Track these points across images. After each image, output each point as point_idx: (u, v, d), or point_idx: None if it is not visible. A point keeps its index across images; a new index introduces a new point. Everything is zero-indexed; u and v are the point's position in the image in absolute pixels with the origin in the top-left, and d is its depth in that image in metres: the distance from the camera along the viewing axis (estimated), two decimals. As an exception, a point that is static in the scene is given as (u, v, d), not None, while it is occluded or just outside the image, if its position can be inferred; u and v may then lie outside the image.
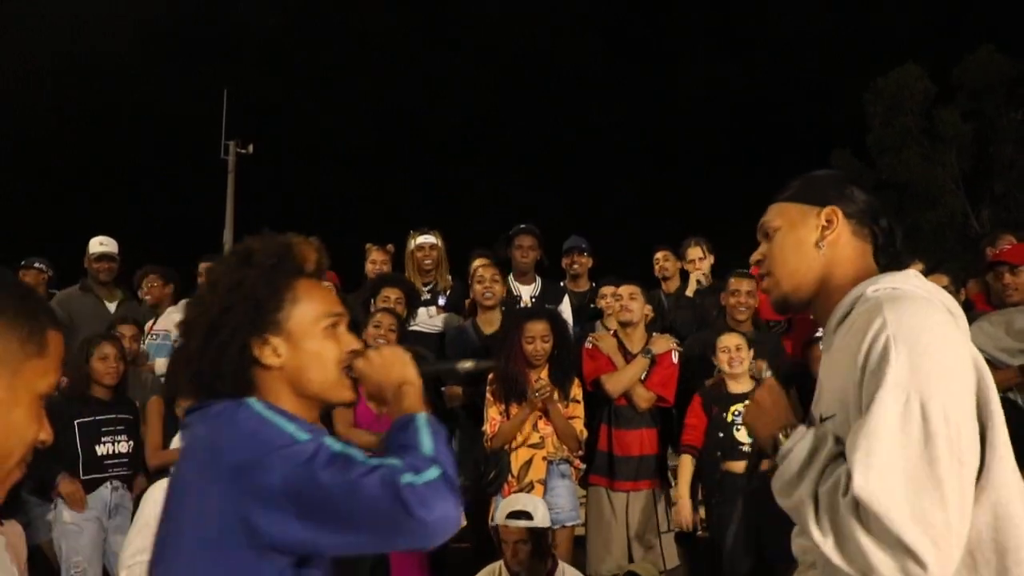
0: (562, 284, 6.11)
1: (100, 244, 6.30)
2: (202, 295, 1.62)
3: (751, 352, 4.73)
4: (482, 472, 4.54)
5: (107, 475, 4.70)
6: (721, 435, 4.65)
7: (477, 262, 6.35)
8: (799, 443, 1.56)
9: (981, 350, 4.55)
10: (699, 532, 4.71)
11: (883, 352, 1.46)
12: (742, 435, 4.61)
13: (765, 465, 1.75)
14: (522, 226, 6.04)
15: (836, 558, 1.42)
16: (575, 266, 6.20)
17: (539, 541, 3.83)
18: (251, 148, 22.38)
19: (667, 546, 4.84)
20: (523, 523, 3.83)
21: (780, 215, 1.76)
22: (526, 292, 5.80)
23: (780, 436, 1.63)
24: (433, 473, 1.41)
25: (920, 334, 1.47)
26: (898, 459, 1.39)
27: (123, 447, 4.79)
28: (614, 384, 4.86)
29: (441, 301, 5.75)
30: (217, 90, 22.00)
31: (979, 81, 24.00)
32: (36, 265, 6.47)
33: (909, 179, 24.03)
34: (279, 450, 1.41)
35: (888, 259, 1.74)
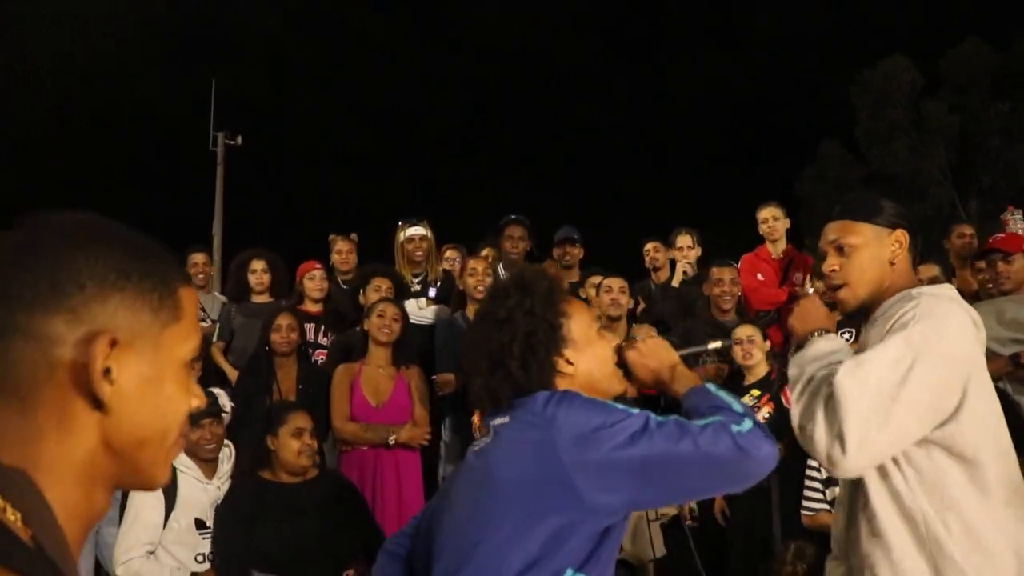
0: (553, 275, 6.09)
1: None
2: (492, 331, 1.86)
3: (766, 343, 4.76)
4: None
5: None
6: None
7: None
8: (827, 340, 1.95)
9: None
10: (688, 522, 4.73)
11: (906, 321, 1.86)
12: None
13: None
14: (512, 217, 6.02)
15: (795, 420, 1.85)
16: (567, 257, 6.18)
17: None
18: (240, 140, 22.27)
19: (655, 535, 4.85)
20: None
21: (855, 233, 2.08)
22: (516, 283, 5.79)
23: (815, 335, 1.99)
24: (750, 423, 1.69)
25: (940, 320, 1.85)
26: (876, 380, 1.76)
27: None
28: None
29: (431, 292, 5.74)
30: (206, 83, 21.93)
31: (965, 73, 24.09)
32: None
33: (897, 171, 24.12)
34: (613, 425, 1.66)
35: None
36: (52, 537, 0.81)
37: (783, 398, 4.71)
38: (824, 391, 1.79)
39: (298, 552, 3.69)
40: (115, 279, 0.88)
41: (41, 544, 0.78)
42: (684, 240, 6.34)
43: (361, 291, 5.43)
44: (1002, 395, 4.03)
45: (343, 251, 6.26)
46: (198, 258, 6.48)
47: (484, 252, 6.15)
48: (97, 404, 0.86)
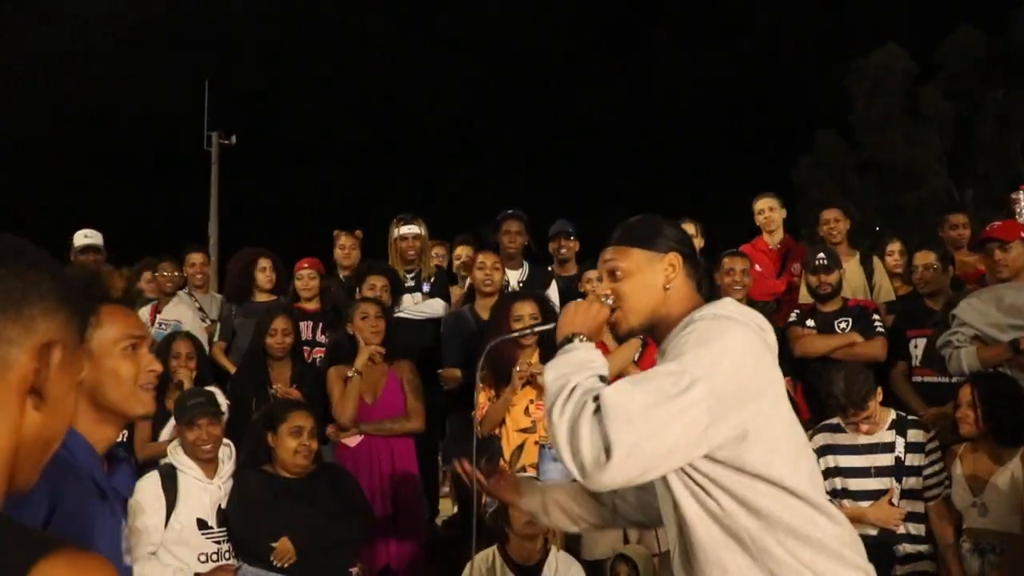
0: (550, 269, 6.10)
1: (85, 236, 6.24)
2: None
3: None
4: (474, 458, 4.54)
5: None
6: None
7: (461, 249, 6.35)
8: (586, 349, 1.93)
9: (971, 326, 4.56)
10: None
11: (683, 347, 1.85)
12: None
13: None
14: (509, 211, 6.01)
15: (560, 428, 1.74)
16: (562, 250, 6.18)
17: None
18: (234, 140, 22.29)
19: (661, 529, 4.84)
20: None
21: (626, 258, 2.07)
22: (514, 277, 5.78)
23: (577, 339, 1.97)
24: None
25: (715, 342, 1.83)
26: (648, 394, 1.71)
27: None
28: (608, 367, 4.86)
29: (426, 288, 5.75)
30: (200, 82, 21.91)
31: (959, 60, 24.09)
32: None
33: (893, 159, 24.14)
34: None
35: (708, 289, 2.15)
36: None
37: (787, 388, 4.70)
38: (592, 403, 1.72)
39: (302, 541, 3.76)
40: (63, 296, 1.02)
41: None
42: (688, 229, 6.28)
43: (357, 289, 5.43)
44: (1005, 381, 4.04)
45: (346, 246, 6.26)
46: (196, 258, 6.45)
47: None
48: (36, 405, 0.98)
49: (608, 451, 1.67)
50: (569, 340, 1.97)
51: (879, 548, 3.98)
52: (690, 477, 1.88)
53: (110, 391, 1.78)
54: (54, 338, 0.99)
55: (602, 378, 1.85)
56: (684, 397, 1.72)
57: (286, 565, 3.72)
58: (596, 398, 1.74)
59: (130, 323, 1.83)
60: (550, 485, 2.49)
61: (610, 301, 2.07)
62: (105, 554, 1.07)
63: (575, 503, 2.35)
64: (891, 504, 3.98)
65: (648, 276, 2.06)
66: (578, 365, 1.87)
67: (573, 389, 1.79)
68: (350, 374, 4.70)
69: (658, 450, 1.70)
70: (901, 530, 3.99)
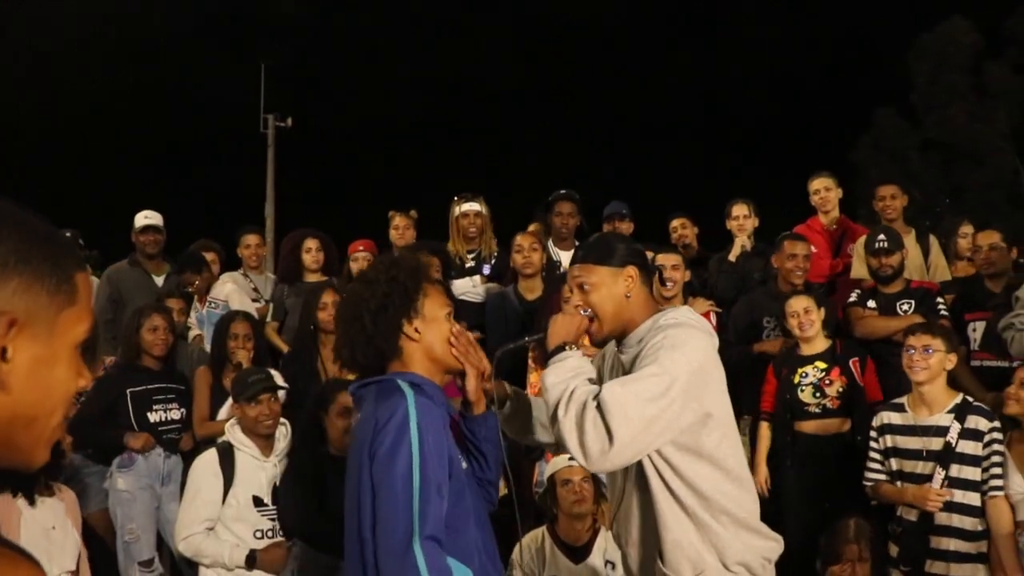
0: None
1: (145, 218, 6.40)
2: (360, 289, 2.25)
3: (821, 312, 4.70)
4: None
5: (162, 440, 4.77)
6: (788, 396, 4.67)
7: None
8: (577, 358, 2.29)
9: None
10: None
11: (659, 349, 2.23)
12: (807, 395, 4.66)
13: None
14: (562, 192, 6.00)
15: (567, 423, 2.13)
16: (616, 232, 6.15)
17: (597, 486, 3.84)
18: (290, 122, 22.54)
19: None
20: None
21: (593, 274, 2.44)
22: (566, 258, 5.77)
23: (568, 347, 2.33)
24: None
25: (684, 346, 2.23)
26: (636, 398, 2.12)
27: (175, 414, 4.87)
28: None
29: (486, 269, 5.75)
30: (256, 66, 22.16)
31: (1030, 33, 23.26)
32: (68, 236, 6.57)
33: (956, 138, 23.47)
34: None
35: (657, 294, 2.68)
36: None
37: (853, 369, 4.65)
38: (592, 402, 2.12)
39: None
40: (15, 263, 0.91)
41: None
42: (740, 210, 6.18)
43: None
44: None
45: (400, 227, 6.26)
46: (251, 239, 6.57)
47: (531, 228, 6.14)
48: None
49: (611, 442, 2.08)
50: (561, 349, 2.32)
51: (915, 535, 3.91)
52: (652, 459, 2.29)
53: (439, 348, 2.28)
54: (2, 309, 0.90)
55: (591, 380, 2.25)
56: (667, 395, 2.14)
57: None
58: (595, 398, 2.12)
59: (444, 295, 2.32)
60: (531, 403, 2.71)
61: (588, 312, 2.42)
62: None
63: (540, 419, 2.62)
64: (937, 489, 3.85)
65: (612, 288, 2.42)
66: (574, 371, 2.24)
67: (573, 392, 2.16)
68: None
69: (648, 439, 2.14)
70: (945, 521, 3.85)
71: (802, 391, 4.64)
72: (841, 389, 4.61)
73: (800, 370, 4.68)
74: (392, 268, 2.25)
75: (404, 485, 2.00)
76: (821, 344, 4.72)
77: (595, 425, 2.10)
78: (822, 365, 4.66)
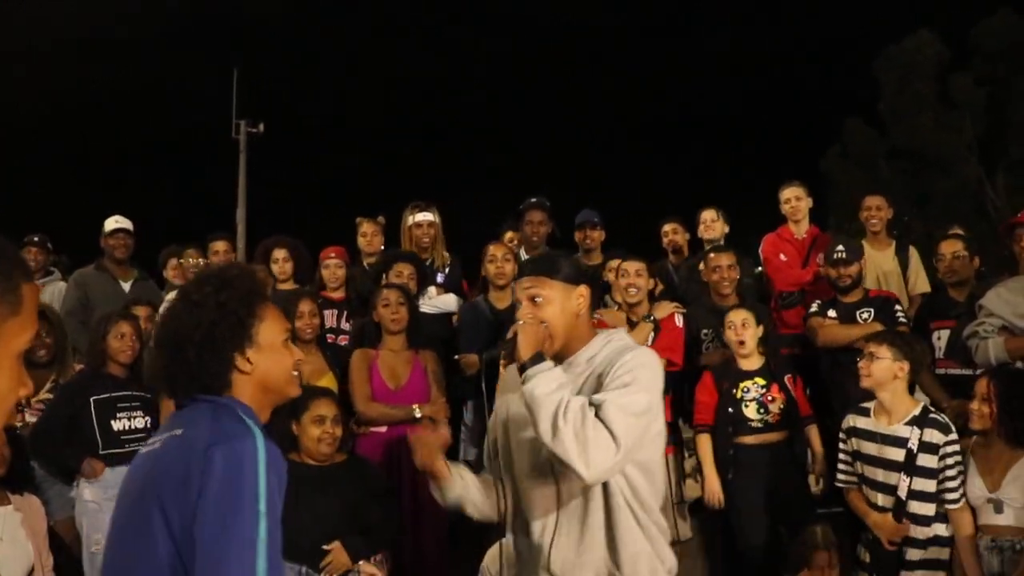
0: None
1: (115, 221, 6.34)
2: (182, 312, 1.92)
3: (759, 328, 4.74)
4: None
5: (125, 450, 4.62)
6: (731, 410, 4.69)
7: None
8: (553, 368, 2.29)
9: (999, 316, 4.56)
10: (717, 506, 4.74)
11: (632, 366, 2.32)
12: (751, 411, 4.69)
13: None
14: (532, 200, 6.01)
15: (566, 436, 2.15)
16: (587, 240, 6.17)
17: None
18: (262, 128, 22.41)
19: (680, 517, 4.85)
20: None
21: (545, 287, 2.45)
22: (538, 266, 5.77)
23: (543, 358, 2.31)
24: None
25: (648, 365, 2.36)
26: (625, 414, 2.20)
27: (139, 422, 4.77)
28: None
29: (440, 279, 5.74)
30: (229, 71, 22.03)
31: (995, 45, 23.61)
32: (36, 240, 6.52)
33: (922, 146, 23.76)
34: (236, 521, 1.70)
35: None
36: None
37: (788, 385, 4.71)
38: (589, 411, 2.18)
39: (326, 534, 3.78)
40: None
41: None
42: (708, 215, 6.25)
43: (384, 275, 5.44)
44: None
45: (368, 233, 6.20)
46: (219, 246, 6.49)
47: (507, 236, 6.15)
48: None
49: (617, 449, 2.16)
50: (538, 359, 2.30)
51: (880, 543, 3.96)
52: (618, 476, 2.36)
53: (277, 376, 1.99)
54: None
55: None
56: (650, 410, 2.28)
57: None
58: (594, 409, 2.20)
59: (283, 317, 2.03)
60: (470, 481, 2.68)
61: (546, 325, 2.41)
62: None
63: (483, 501, 2.64)
64: (896, 520, 3.90)
65: (566, 304, 2.46)
66: (559, 382, 2.25)
67: (568, 403, 2.18)
68: (417, 414, 4.66)
69: (631, 453, 2.23)
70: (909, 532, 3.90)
71: (746, 406, 4.68)
72: (783, 405, 4.68)
73: (741, 385, 4.72)
74: (221, 291, 1.92)
75: (249, 559, 1.64)
76: (757, 361, 4.76)
77: (597, 434, 2.15)
78: (761, 381, 4.71)
